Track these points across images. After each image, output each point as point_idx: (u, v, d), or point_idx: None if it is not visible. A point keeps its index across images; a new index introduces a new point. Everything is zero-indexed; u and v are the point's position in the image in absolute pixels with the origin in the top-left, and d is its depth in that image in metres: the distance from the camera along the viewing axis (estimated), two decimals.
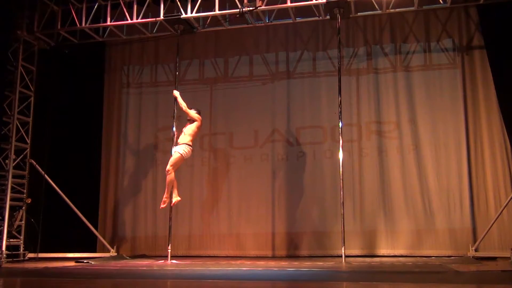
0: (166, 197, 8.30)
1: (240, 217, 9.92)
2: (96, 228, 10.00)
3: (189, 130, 8.40)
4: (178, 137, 8.52)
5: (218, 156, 10.24)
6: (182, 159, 8.39)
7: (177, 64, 9.27)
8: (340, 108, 8.38)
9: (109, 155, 10.57)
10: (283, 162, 9.94)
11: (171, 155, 8.47)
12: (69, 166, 10.12)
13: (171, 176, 8.24)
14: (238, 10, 8.92)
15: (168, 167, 8.28)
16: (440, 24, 9.65)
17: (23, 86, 9.74)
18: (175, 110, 8.81)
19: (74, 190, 9.81)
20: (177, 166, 8.47)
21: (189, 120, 8.52)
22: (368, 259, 8.69)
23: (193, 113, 8.46)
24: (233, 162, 10.15)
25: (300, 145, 9.92)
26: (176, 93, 8.67)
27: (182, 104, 8.45)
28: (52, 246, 9.59)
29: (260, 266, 7.74)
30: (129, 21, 9.48)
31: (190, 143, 8.37)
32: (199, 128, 8.51)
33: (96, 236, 9.93)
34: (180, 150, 8.29)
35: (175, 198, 8.41)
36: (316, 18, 9.42)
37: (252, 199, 9.91)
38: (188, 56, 10.54)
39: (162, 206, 8.38)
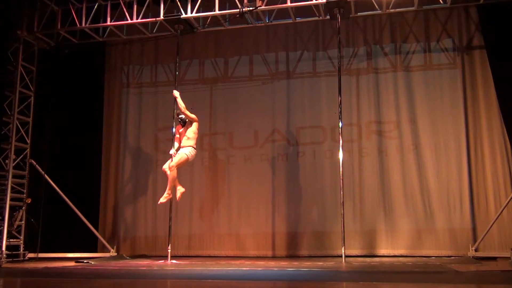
0: (168, 193, 8.31)
1: (240, 217, 9.92)
2: (96, 228, 10.00)
3: (191, 133, 8.44)
4: (180, 141, 8.54)
5: (218, 156, 10.24)
6: (187, 161, 8.46)
7: (177, 64, 9.26)
8: (340, 108, 8.38)
9: (109, 155, 10.57)
10: (283, 162, 9.94)
11: (172, 154, 8.47)
12: (69, 166, 10.11)
13: (174, 173, 8.26)
14: (238, 10, 8.92)
15: (173, 163, 8.29)
16: (440, 24, 9.65)
17: (23, 86, 9.74)
18: (175, 110, 8.81)
19: (74, 190, 9.81)
20: (180, 167, 8.50)
21: (181, 121, 8.53)
22: (368, 259, 8.70)
23: (191, 114, 8.47)
24: (233, 162, 10.15)
25: (300, 145, 9.92)
26: (176, 93, 8.66)
27: (181, 104, 8.45)
28: (52, 246, 9.60)
29: (260, 266, 7.73)
30: (129, 21, 9.48)
31: (195, 146, 8.46)
32: (198, 129, 8.55)
33: (96, 236, 9.93)
34: (187, 151, 8.35)
35: (180, 190, 8.39)
36: (316, 18, 9.42)
37: (252, 199, 9.91)
38: (188, 56, 10.54)
39: (163, 201, 8.35)
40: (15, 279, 6.89)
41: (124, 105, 10.75)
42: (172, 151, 8.50)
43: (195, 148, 8.45)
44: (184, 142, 8.45)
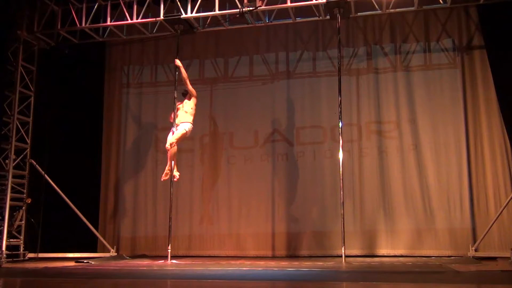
0: (168, 169, 8.54)
1: (240, 217, 9.92)
2: (96, 228, 10.00)
3: (189, 108, 8.61)
4: (176, 116, 8.69)
5: (218, 156, 10.24)
6: (185, 136, 8.62)
7: None
8: (340, 108, 8.38)
9: (109, 155, 10.57)
10: (283, 162, 9.94)
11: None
12: (69, 166, 10.10)
13: (174, 149, 8.49)
14: (238, 10, 8.91)
15: (173, 140, 8.45)
16: (440, 24, 9.65)
17: (23, 86, 9.74)
18: (175, 111, 8.80)
19: (74, 190, 9.80)
20: (179, 142, 8.66)
21: (182, 94, 8.73)
22: (368, 259, 8.69)
23: (191, 86, 8.64)
24: (233, 162, 10.15)
25: (300, 145, 9.92)
26: (178, 62, 8.76)
27: (185, 74, 8.58)
28: (52, 246, 9.59)
29: (260, 266, 7.73)
30: (129, 21, 9.47)
31: (192, 122, 8.63)
32: (196, 104, 8.71)
33: (96, 236, 9.93)
34: (186, 127, 8.53)
35: (176, 173, 8.64)
36: (316, 18, 9.41)
37: (252, 199, 9.91)
38: (188, 56, 10.52)
39: (164, 178, 8.58)
40: (15, 279, 6.89)
41: (124, 105, 10.76)
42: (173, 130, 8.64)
43: (192, 124, 8.63)
44: (182, 116, 8.61)
